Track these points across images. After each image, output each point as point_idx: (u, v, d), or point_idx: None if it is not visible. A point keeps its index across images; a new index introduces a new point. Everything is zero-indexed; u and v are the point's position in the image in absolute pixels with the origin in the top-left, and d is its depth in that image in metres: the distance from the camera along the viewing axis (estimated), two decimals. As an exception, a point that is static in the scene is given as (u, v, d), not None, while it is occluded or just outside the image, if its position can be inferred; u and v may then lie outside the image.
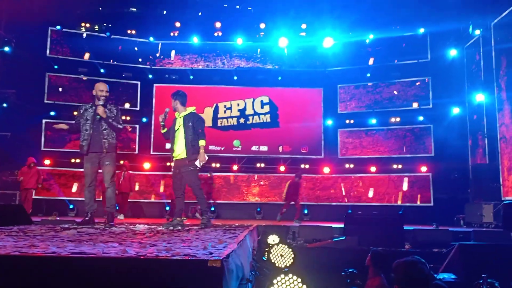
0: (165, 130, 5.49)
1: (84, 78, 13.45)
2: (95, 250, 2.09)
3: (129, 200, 11.84)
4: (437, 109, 12.88)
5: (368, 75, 13.61)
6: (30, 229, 3.95)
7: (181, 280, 1.82)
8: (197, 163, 5.16)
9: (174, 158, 5.38)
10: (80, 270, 1.81)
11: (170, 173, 13.51)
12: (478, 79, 11.43)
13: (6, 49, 12.14)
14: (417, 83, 13.36)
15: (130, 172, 11.86)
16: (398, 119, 13.47)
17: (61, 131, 5.64)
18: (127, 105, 13.72)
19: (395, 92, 13.50)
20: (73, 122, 5.54)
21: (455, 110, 12.47)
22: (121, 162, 11.60)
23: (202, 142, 5.21)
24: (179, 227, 4.95)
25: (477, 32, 11.18)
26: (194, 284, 1.82)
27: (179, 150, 5.28)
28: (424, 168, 12.87)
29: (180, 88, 13.83)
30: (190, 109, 5.44)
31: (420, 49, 13.04)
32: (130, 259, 1.89)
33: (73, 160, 12.88)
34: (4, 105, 12.10)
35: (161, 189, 13.56)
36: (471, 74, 11.93)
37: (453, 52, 12.38)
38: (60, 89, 13.41)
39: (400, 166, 13.25)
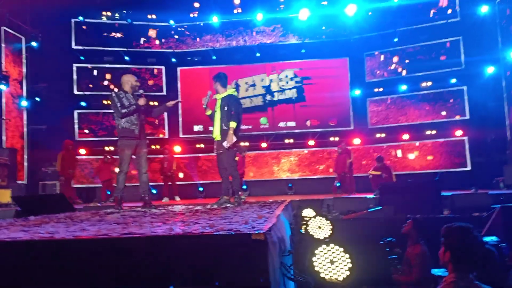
0: (210, 112, 5.50)
1: (95, 71, 13.67)
2: (143, 230, 2.16)
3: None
4: (470, 70, 12.37)
5: (396, 39, 13.15)
6: (75, 215, 4.11)
7: (226, 254, 1.87)
8: (224, 144, 5.19)
9: (214, 140, 5.45)
10: (131, 250, 1.88)
11: (200, 154, 13.95)
12: (510, 35, 10.89)
13: (34, 44, 12.43)
14: (447, 45, 12.84)
15: (174, 156, 12.34)
16: (429, 83, 13.04)
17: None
18: (153, 91, 13.88)
19: (425, 55, 13.03)
20: (125, 110, 5.43)
21: (489, 70, 11.95)
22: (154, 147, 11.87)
23: (232, 124, 5.17)
24: (227, 205, 5.10)
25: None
26: (240, 258, 1.85)
27: (216, 132, 5.37)
28: (459, 132, 12.50)
29: (204, 69, 14.04)
30: (229, 92, 5.44)
31: (449, 8, 12.47)
32: (177, 236, 1.95)
33: (107, 148, 13.22)
34: (37, 99, 12.47)
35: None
36: (503, 31, 11.36)
37: (484, 9, 11.79)
38: (90, 81, 13.71)
39: (433, 132, 12.91)
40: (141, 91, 5.53)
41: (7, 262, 1.89)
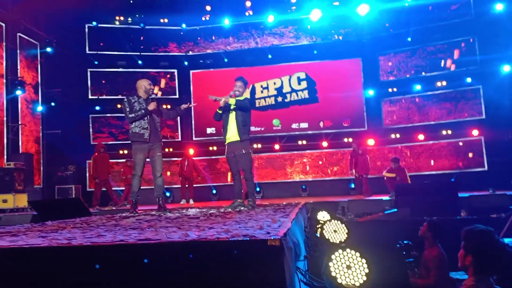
0: (222, 111, 5.48)
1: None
2: (159, 236, 2.16)
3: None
4: (485, 69, 12.18)
5: (409, 39, 13.02)
6: (91, 220, 4.15)
7: (242, 260, 1.85)
8: (211, 97, 5.35)
9: (226, 142, 5.45)
10: (147, 255, 1.88)
11: (214, 157, 13.98)
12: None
13: (49, 49, 12.63)
14: (462, 44, 12.66)
15: (193, 158, 12.49)
16: (444, 83, 12.86)
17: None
18: (166, 94, 13.98)
19: (440, 55, 12.86)
20: (132, 115, 5.54)
21: (505, 68, 11.75)
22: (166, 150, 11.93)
23: (232, 101, 5.34)
24: (241, 208, 5.10)
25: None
26: (256, 264, 1.84)
27: (232, 133, 5.37)
28: (475, 132, 12.30)
29: (216, 71, 14.10)
30: (244, 96, 5.54)
31: (463, 7, 12.31)
32: (193, 242, 1.94)
33: (121, 152, 13.35)
34: (52, 104, 12.66)
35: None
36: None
37: (499, 7, 11.59)
38: (104, 86, 13.86)
39: (449, 132, 12.72)
40: (156, 90, 5.57)
41: (25, 269, 1.91)
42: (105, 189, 10.73)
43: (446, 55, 12.82)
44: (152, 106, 5.46)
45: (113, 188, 10.89)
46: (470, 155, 12.38)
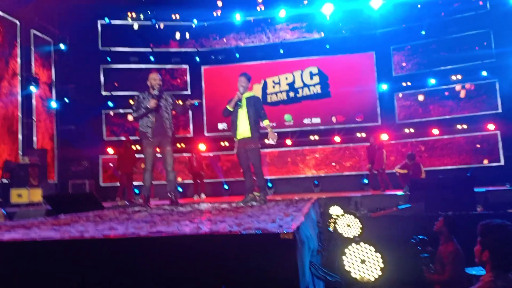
0: (233, 109, 5.47)
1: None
2: (171, 229, 2.15)
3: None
4: (501, 62, 11.92)
5: (423, 32, 12.80)
6: (104, 213, 4.17)
7: (254, 253, 1.83)
8: (272, 141, 5.36)
9: (237, 138, 5.44)
10: (159, 248, 1.87)
11: (225, 152, 13.98)
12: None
13: (62, 46, 12.74)
14: (477, 36, 12.40)
15: (202, 154, 12.53)
16: (459, 77, 12.62)
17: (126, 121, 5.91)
18: (178, 90, 14.02)
19: (454, 48, 12.63)
20: (135, 114, 5.61)
21: (522, 61, 11.50)
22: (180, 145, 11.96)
23: (267, 122, 5.47)
24: (253, 203, 5.08)
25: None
26: (268, 257, 1.82)
27: (243, 129, 5.37)
28: (491, 126, 12.07)
29: (227, 67, 14.07)
30: (253, 92, 5.60)
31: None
32: (205, 235, 1.92)
33: (134, 148, 13.43)
34: (66, 100, 12.79)
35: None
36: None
37: (516, -2, 11.33)
38: (116, 84, 13.93)
39: (464, 126, 12.50)
40: (156, 92, 5.49)
41: (38, 261, 1.91)
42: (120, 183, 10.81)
43: (461, 48, 12.57)
44: (152, 103, 5.42)
45: (134, 183, 10.93)
46: (487, 149, 12.15)
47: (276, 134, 5.38)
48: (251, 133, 5.31)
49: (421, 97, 13.13)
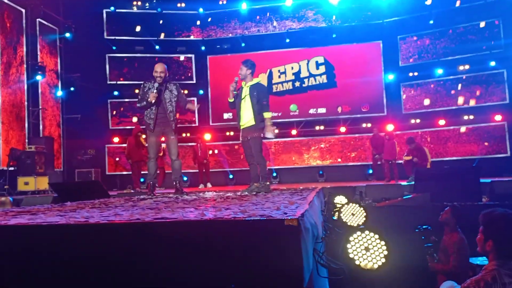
0: (233, 99, 5.47)
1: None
2: (176, 215, 2.16)
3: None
4: (509, 52, 11.77)
5: (431, 22, 12.63)
6: (109, 201, 4.19)
7: (259, 240, 1.83)
8: (270, 135, 5.23)
9: (241, 127, 5.41)
10: (163, 234, 1.88)
11: (230, 142, 13.99)
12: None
13: (67, 35, 12.74)
14: (486, 26, 12.23)
15: (207, 144, 12.60)
16: (467, 67, 12.49)
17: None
18: (183, 79, 14.00)
19: (462, 38, 12.48)
20: (139, 104, 5.61)
21: (531, 51, 11.34)
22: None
23: (267, 115, 5.22)
24: (258, 190, 5.10)
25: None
26: (273, 244, 1.82)
27: (247, 118, 5.29)
28: (498, 117, 11.96)
29: (233, 56, 13.98)
30: (257, 79, 5.44)
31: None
32: (209, 221, 1.92)
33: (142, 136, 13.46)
34: (72, 89, 12.83)
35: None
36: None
37: (526, -13, 11.16)
38: (122, 71, 13.93)
39: (471, 117, 12.39)
40: (156, 85, 5.45)
41: (42, 245, 1.93)
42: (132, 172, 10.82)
43: (469, 38, 12.41)
44: (151, 97, 5.38)
45: (142, 172, 10.93)
46: (493, 140, 12.05)
47: (275, 128, 5.23)
48: (255, 121, 5.25)
49: (427, 88, 13.00)
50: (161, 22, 13.86)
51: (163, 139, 5.76)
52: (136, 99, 5.71)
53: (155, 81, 5.52)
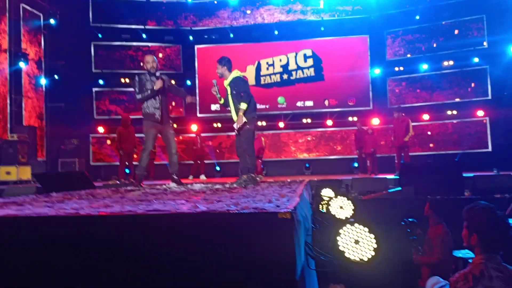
0: (222, 101, 5.45)
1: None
2: (168, 207, 2.15)
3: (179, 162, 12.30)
4: (493, 49, 12.01)
5: (417, 17, 12.77)
6: (96, 192, 4.14)
7: (252, 232, 1.84)
8: (235, 125, 5.21)
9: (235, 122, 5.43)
10: (156, 226, 1.86)
11: (217, 134, 13.95)
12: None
13: (52, 21, 12.44)
14: (470, 22, 12.40)
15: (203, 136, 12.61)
16: (451, 63, 12.69)
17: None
18: (170, 69, 13.85)
19: (447, 34, 12.64)
20: (140, 96, 5.48)
21: (514, 48, 11.56)
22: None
23: (242, 105, 5.12)
24: (246, 183, 5.09)
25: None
26: (266, 236, 1.82)
27: (233, 114, 5.34)
28: (480, 113, 12.20)
29: (221, 47, 13.87)
30: (233, 74, 5.38)
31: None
32: (203, 213, 1.92)
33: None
34: (56, 76, 12.56)
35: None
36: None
37: (511, -15, 11.33)
38: (108, 59, 13.70)
39: (454, 112, 12.62)
40: (158, 73, 5.42)
41: (31, 238, 1.90)
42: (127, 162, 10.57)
43: (454, 34, 12.58)
44: (158, 85, 5.33)
45: (134, 163, 10.73)
46: (475, 135, 12.29)
47: (244, 121, 5.11)
48: (237, 116, 5.27)
49: (413, 82, 13.15)
50: (148, 10, 13.64)
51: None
52: (126, 88, 5.63)
53: (149, 72, 5.44)
